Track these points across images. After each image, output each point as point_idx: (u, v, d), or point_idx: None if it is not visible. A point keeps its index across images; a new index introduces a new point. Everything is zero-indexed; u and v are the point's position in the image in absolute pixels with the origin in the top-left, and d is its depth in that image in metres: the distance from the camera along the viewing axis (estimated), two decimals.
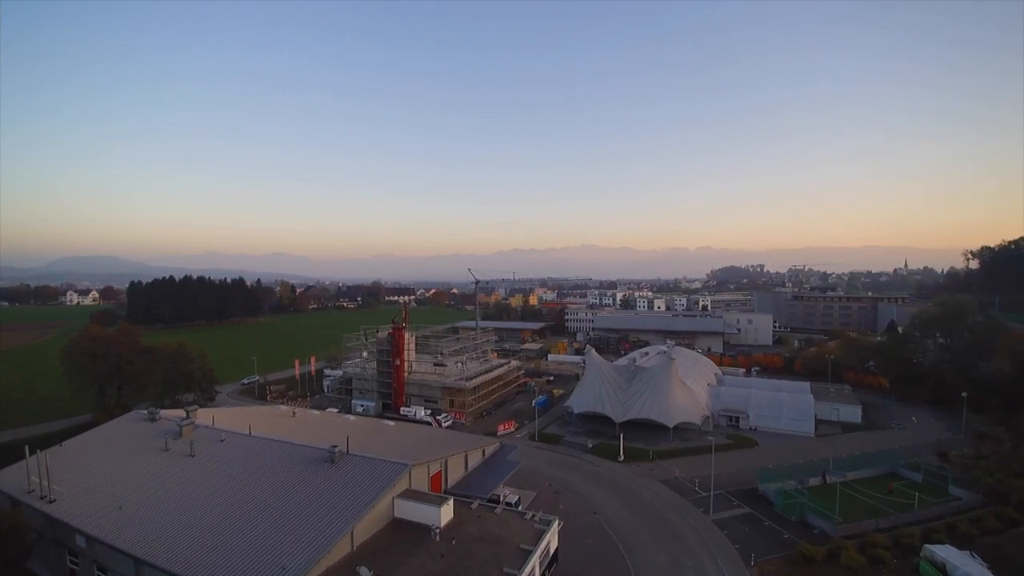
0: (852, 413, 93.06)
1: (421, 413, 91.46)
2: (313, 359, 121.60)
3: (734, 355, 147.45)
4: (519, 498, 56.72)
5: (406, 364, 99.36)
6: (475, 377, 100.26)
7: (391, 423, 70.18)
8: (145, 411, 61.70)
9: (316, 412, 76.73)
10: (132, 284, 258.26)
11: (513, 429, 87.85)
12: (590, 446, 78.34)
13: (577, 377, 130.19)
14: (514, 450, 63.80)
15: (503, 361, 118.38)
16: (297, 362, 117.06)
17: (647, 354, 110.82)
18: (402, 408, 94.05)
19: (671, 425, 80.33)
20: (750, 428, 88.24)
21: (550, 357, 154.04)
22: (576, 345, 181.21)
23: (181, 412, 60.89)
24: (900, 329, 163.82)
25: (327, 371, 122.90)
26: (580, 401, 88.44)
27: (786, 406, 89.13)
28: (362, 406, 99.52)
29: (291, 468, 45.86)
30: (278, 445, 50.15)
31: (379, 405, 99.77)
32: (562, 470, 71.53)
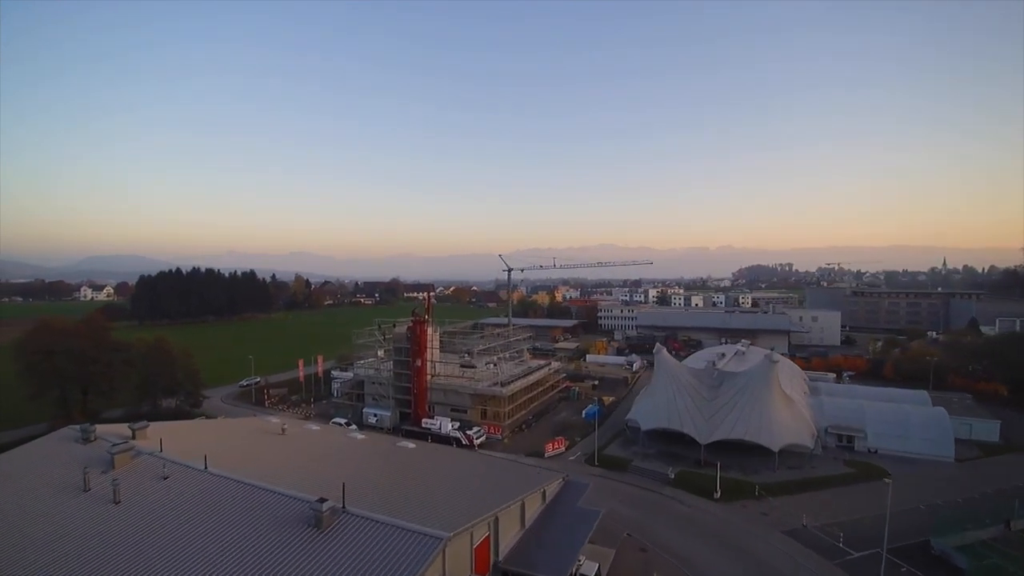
0: (988, 430, 73.64)
1: (448, 427, 73.59)
2: (320, 359, 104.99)
3: (806, 356, 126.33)
4: (598, 566, 38.48)
5: (429, 365, 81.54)
6: (512, 382, 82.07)
7: (411, 445, 52.44)
8: (78, 427, 45.07)
9: (314, 428, 59.45)
10: (141, 278, 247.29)
11: (564, 449, 69.46)
12: (672, 476, 59.38)
13: (626, 382, 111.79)
14: (586, 489, 44.94)
15: (542, 363, 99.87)
16: (301, 362, 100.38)
17: (723, 355, 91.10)
18: (424, 420, 76.23)
19: (776, 448, 61.12)
20: (867, 451, 68.67)
21: (589, 358, 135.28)
22: (615, 344, 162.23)
23: (124, 428, 44.29)
24: (982, 328, 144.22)
25: (335, 373, 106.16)
26: (649, 414, 69.57)
27: (913, 423, 69.33)
28: (375, 416, 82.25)
29: (253, 536, 28.33)
30: (241, 491, 32.71)
31: (396, 415, 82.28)
32: (640, 511, 52.89)
